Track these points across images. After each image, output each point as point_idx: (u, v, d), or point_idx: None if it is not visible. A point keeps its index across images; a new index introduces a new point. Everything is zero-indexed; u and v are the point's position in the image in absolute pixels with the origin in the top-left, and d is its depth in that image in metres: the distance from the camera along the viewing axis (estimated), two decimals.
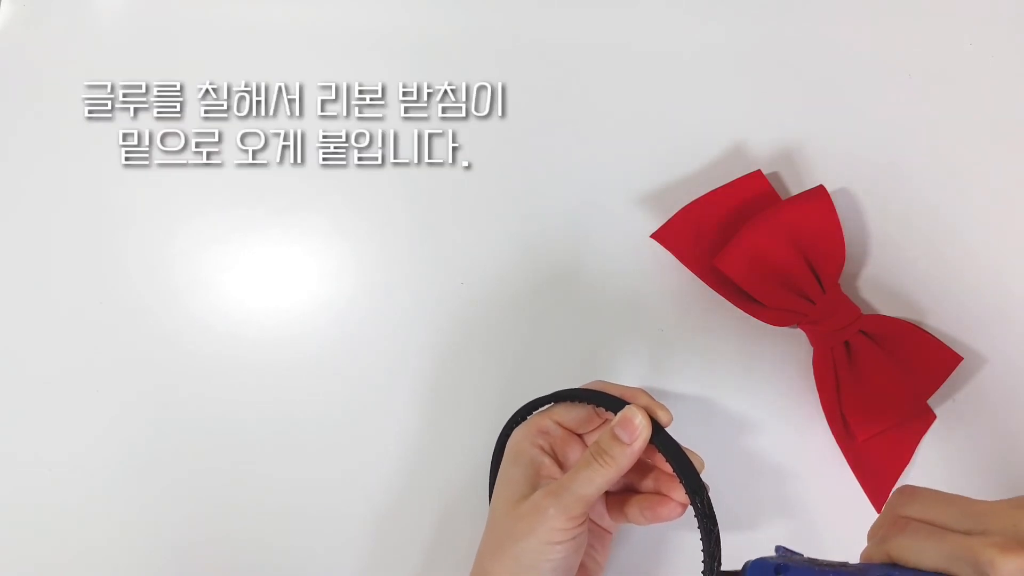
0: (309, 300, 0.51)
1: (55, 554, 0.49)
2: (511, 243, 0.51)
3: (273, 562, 0.49)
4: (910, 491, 0.33)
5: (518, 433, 0.44)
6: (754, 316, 0.48)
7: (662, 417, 0.41)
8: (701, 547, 0.38)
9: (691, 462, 0.39)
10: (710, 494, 0.39)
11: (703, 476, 0.39)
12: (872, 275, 0.50)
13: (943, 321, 0.49)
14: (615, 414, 0.40)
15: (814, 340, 0.48)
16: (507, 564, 0.39)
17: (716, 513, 0.38)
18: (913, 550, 0.30)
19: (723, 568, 0.37)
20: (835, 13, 0.53)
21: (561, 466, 0.43)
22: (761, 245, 0.47)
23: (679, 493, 0.41)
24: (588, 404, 0.43)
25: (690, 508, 0.39)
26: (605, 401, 0.42)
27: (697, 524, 0.38)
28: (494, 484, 0.45)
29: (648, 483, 0.43)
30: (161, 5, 0.54)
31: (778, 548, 0.35)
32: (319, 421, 0.50)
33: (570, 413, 0.44)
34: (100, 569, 0.49)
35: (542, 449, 0.43)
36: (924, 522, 0.31)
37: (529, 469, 0.42)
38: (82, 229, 0.51)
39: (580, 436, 0.44)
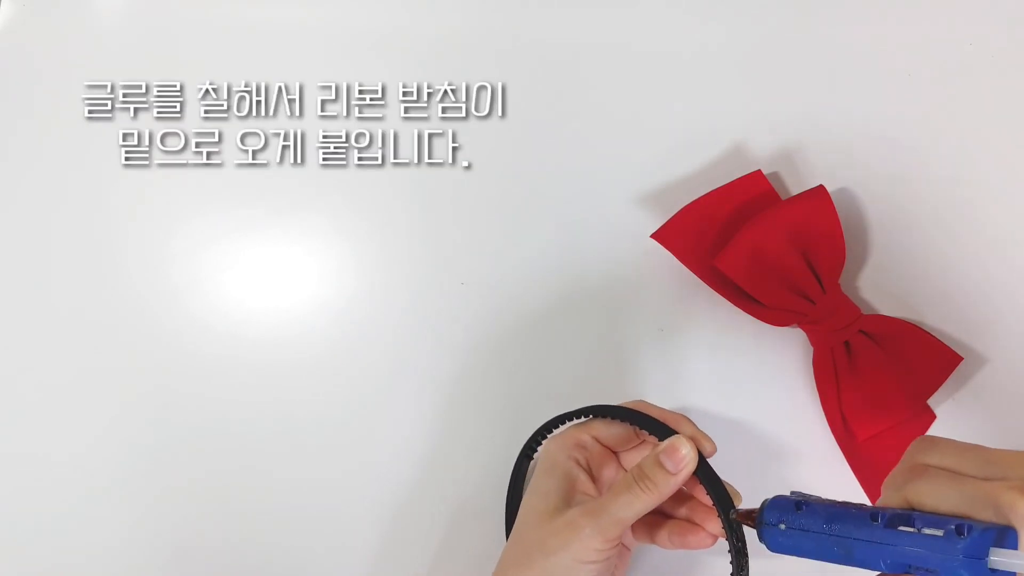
0: (309, 300, 0.51)
1: (55, 554, 0.49)
2: (511, 243, 0.51)
3: (274, 563, 0.49)
4: (929, 440, 0.33)
5: (553, 444, 0.43)
6: (754, 316, 0.48)
7: (707, 448, 0.40)
8: (731, 572, 0.38)
9: (730, 497, 0.39)
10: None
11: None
12: (872, 275, 0.50)
13: (943, 321, 0.49)
14: (656, 437, 0.40)
15: (814, 340, 0.48)
16: None
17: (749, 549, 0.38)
18: (932, 495, 0.30)
19: (736, 507, 0.37)
20: (835, 13, 0.53)
21: (595, 482, 0.42)
22: (761, 245, 0.46)
23: (712, 524, 0.41)
24: (629, 424, 0.42)
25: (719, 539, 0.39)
26: (648, 424, 0.41)
27: (730, 560, 0.38)
28: (511, 490, 0.45)
29: (682, 511, 0.43)
30: (161, 5, 0.54)
31: (793, 493, 0.35)
32: (320, 421, 0.50)
33: (609, 430, 0.43)
34: (101, 569, 0.49)
35: (577, 463, 0.42)
36: (943, 469, 0.31)
37: (564, 482, 0.41)
38: (82, 229, 0.51)
39: (615, 454, 0.44)
